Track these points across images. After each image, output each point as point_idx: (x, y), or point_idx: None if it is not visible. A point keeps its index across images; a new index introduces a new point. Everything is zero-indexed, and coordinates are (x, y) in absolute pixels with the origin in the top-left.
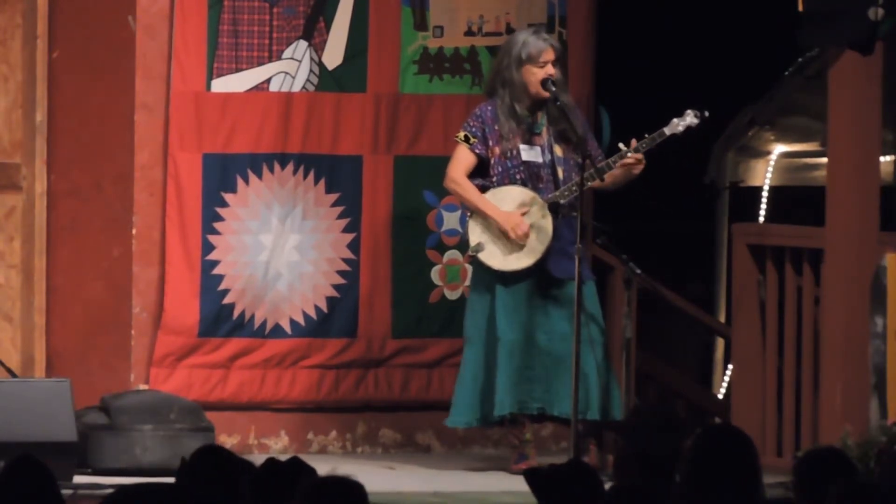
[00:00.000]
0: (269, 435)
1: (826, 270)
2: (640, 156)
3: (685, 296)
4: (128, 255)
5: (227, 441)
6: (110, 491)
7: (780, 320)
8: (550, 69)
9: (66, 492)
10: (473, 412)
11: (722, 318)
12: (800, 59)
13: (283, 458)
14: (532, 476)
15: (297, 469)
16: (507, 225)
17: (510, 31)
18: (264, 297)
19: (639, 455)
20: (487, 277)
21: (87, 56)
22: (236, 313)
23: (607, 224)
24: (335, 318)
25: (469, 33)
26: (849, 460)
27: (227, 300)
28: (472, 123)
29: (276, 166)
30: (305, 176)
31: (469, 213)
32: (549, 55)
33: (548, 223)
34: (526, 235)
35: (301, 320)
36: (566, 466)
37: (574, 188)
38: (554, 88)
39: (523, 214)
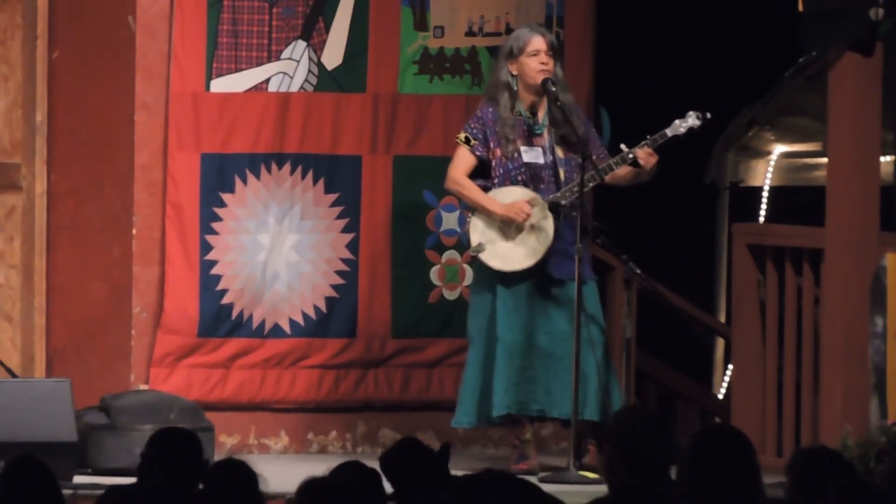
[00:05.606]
0: (269, 435)
1: (826, 270)
2: (650, 150)
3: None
4: (128, 255)
5: (228, 441)
6: None
7: (780, 320)
8: (545, 58)
9: (66, 492)
10: (474, 412)
11: (722, 318)
12: (800, 59)
13: (284, 458)
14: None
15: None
16: (510, 214)
17: (510, 31)
18: (263, 296)
19: (628, 456)
20: (488, 278)
21: (87, 56)
22: (235, 313)
23: (607, 224)
24: (334, 318)
25: (469, 33)
26: (843, 459)
27: (225, 300)
28: (473, 125)
29: (274, 166)
30: (304, 176)
31: (469, 214)
32: (539, 44)
33: (549, 224)
34: (529, 214)
35: (300, 320)
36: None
37: (575, 189)
38: (553, 89)
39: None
